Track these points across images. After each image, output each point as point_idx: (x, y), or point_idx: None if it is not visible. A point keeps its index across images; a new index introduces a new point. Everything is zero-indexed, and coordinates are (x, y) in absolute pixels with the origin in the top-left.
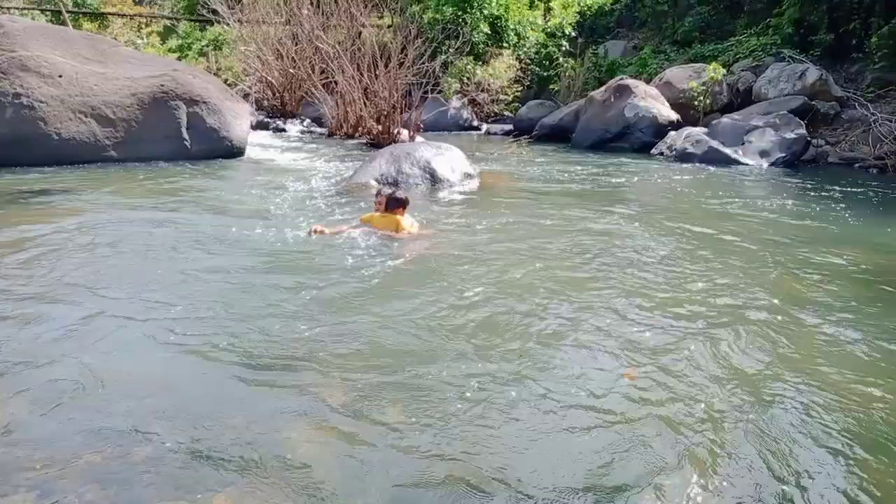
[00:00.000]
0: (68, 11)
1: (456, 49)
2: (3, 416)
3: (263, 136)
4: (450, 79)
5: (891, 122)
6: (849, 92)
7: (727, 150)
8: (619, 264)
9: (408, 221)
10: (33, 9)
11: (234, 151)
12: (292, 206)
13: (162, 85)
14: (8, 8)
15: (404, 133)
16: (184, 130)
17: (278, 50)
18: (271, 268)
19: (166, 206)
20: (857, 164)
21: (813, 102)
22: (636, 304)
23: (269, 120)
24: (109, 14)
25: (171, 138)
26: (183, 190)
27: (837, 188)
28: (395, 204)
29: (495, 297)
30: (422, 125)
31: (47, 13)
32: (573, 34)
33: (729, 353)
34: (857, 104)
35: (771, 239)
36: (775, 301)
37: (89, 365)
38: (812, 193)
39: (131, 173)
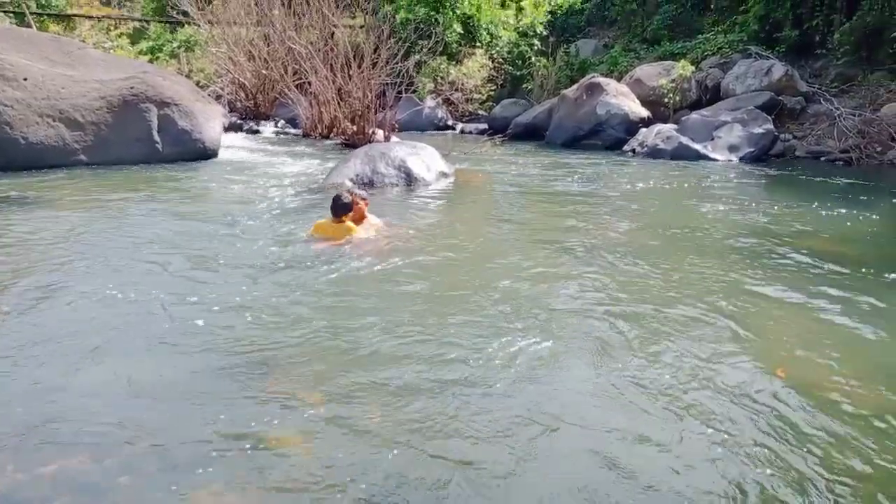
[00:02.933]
0: (32, 13)
1: (429, 49)
2: None
3: (237, 138)
4: (424, 78)
5: (854, 116)
6: (814, 87)
7: (697, 146)
8: (590, 261)
9: (365, 225)
10: None
11: (207, 153)
12: (265, 208)
13: (132, 87)
14: None
15: (379, 133)
16: (155, 133)
17: (250, 51)
18: (235, 275)
19: (135, 210)
20: (823, 158)
21: (780, 98)
22: (605, 302)
23: (242, 121)
24: (76, 16)
25: (141, 141)
26: (153, 194)
27: (804, 181)
28: (341, 210)
29: (463, 297)
30: (397, 125)
31: (10, 15)
32: (545, 33)
33: (698, 350)
34: (822, 99)
35: (738, 232)
36: (737, 292)
37: (65, 371)
38: (780, 187)
39: (101, 177)
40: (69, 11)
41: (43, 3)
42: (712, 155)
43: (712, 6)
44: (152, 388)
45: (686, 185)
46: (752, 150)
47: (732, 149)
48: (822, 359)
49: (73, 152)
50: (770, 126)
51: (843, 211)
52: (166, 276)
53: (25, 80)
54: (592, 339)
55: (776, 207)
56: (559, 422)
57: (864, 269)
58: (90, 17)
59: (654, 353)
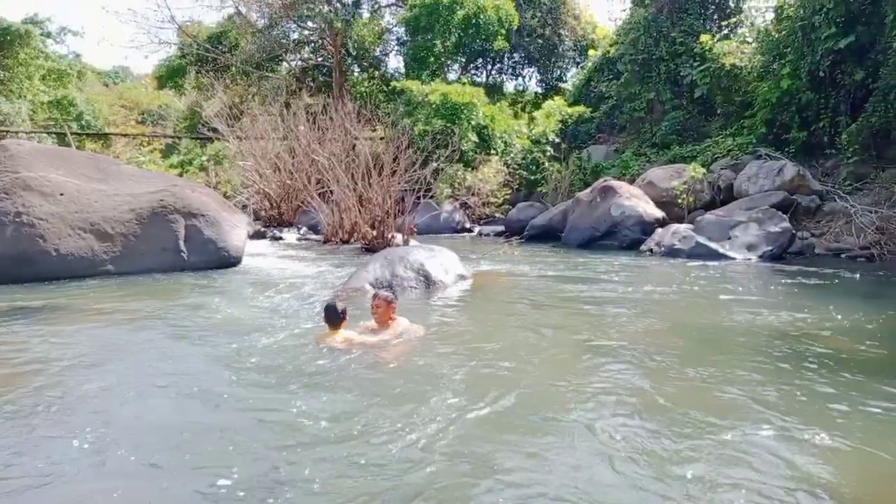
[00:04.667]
0: (73, 133)
1: (446, 157)
2: None
3: (261, 245)
4: (441, 184)
5: (871, 212)
6: (827, 185)
7: (715, 245)
8: (614, 367)
9: (392, 328)
10: (40, 132)
11: (231, 261)
12: (287, 313)
13: (161, 200)
14: (16, 132)
15: (398, 237)
16: (181, 243)
17: (276, 163)
18: (257, 380)
19: (158, 320)
20: (843, 255)
21: (793, 197)
22: (625, 412)
23: (266, 229)
24: (112, 134)
25: (168, 250)
26: (178, 302)
27: (828, 279)
28: (334, 318)
29: (483, 405)
30: (415, 229)
31: (53, 135)
32: (557, 140)
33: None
34: (836, 197)
35: (764, 332)
36: (774, 395)
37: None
38: (804, 285)
39: (127, 287)
40: (106, 130)
41: (83, 123)
42: (730, 254)
43: (719, 111)
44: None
45: (708, 284)
46: (770, 248)
47: (751, 247)
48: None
49: (101, 262)
50: (787, 224)
51: (872, 309)
52: (182, 386)
53: (62, 195)
54: (625, 455)
55: (805, 307)
56: None
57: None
58: (125, 135)
59: (692, 471)
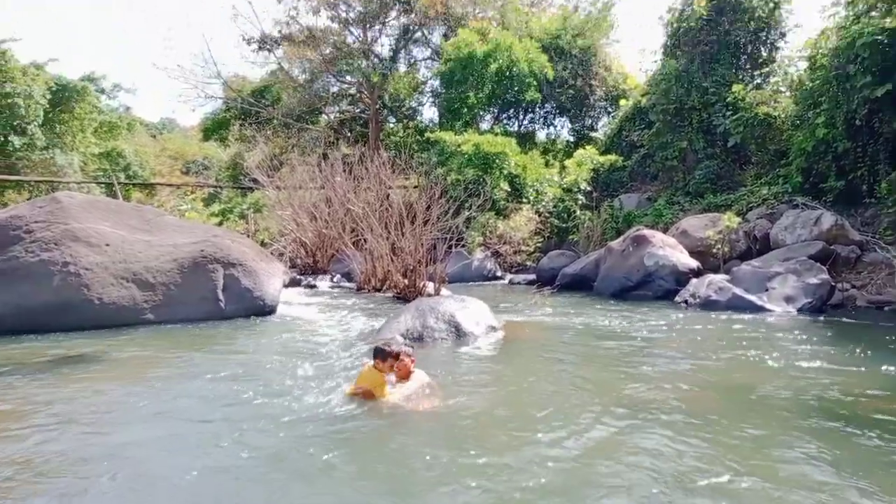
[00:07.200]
0: (120, 183)
1: (478, 206)
2: None
3: (295, 293)
4: (473, 233)
5: None
6: (866, 235)
7: (752, 297)
8: (647, 427)
9: (410, 382)
10: (89, 182)
11: (267, 310)
12: (320, 363)
13: (202, 250)
14: (67, 182)
15: (430, 285)
16: (219, 292)
17: (312, 212)
18: (288, 435)
19: (193, 368)
20: (886, 307)
21: (832, 247)
22: (665, 477)
23: (301, 277)
24: (158, 184)
25: (206, 300)
26: (216, 351)
27: (870, 333)
28: (382, 356)
29: (505, 466)
30: (447, 277)
31: (102, 186)
32: (588, 189)
33: None
34: (877, 247)
35: (808, 393)
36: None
37: None
38: (845, 340)
39: (166, 336)
40: (152, 180)
41: (130, 173)
42: (768, 306)
43: (753, 160)
44: None
45: (746, 339)
46: (809, 300)
47: (789, 300)
48: None
49: (141, 311)
50: (826, 276)
51: None
52: (211, 434)
53: (107, 245)
54: None
55: (849, 364)
56: None
57: None
58: (170, 185)
59: None
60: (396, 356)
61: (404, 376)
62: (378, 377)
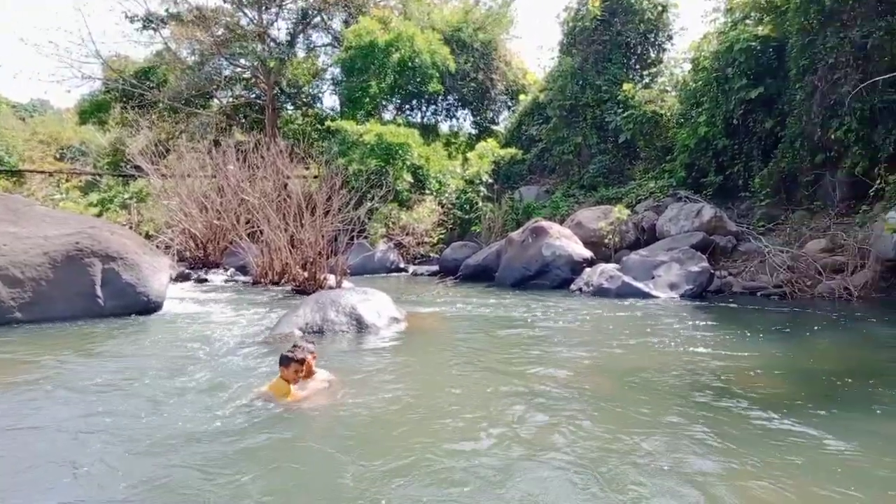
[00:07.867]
0: None
1: (381, 197)
2: None
3: (185, 288)
4: (375, 224)
5: (782, 252)
6: (742, 226)
7: (639, 285)
8: (544, 409)
9: (313, 380)
10: None
11: (152, 306)
12: (209, 365)
13: (77, 243)
14: None
15: (331, 278)
16: (98, 288)
17: (203, 202)
18: (169, 435)
19: (65, 371)
20: (759, 293)
21: (712, 237)
22: (566, 458)
23: (190, 271)
24: (28, 171)
25: (82, 296)
26: (88, 352)
27: (744, 316)
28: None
29: (411, 456)
30: (348, 270)
31: None
32: (490, 181)
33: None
34: (751, 237)
35: (685, 369)
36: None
37: None
38: (721, 322)
39: (35, 335)
40: (21, 167)
41: None
42: (654, 293)
43: (642, 155)
44: None
45: (634, 324)
46: (691, 287)
47: (672, 286)
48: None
49: (8, 310)
50: (706, 264)
51: (784, 344)
52: (93, 444)
53: None
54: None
55: (722, 343)
56: None
57: (810, 406)
58: (42, 172)
59: None
60: (302, 362)
61: (306, 375)
62: (285, 387)
